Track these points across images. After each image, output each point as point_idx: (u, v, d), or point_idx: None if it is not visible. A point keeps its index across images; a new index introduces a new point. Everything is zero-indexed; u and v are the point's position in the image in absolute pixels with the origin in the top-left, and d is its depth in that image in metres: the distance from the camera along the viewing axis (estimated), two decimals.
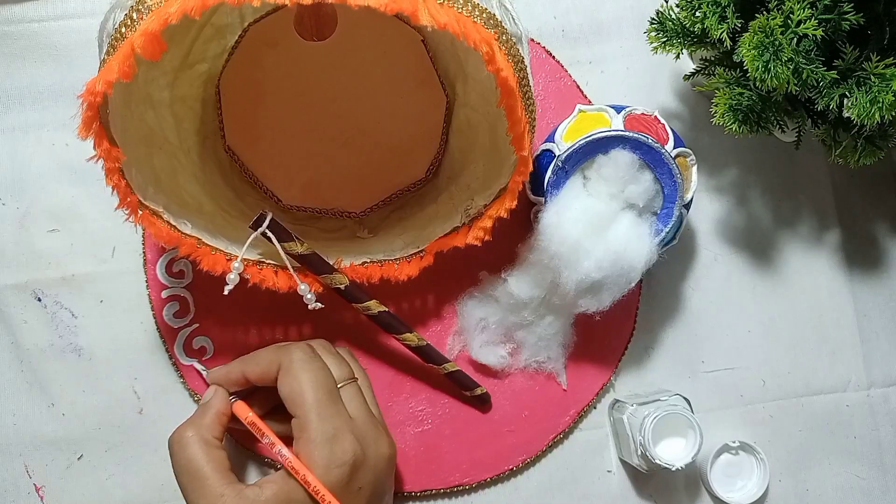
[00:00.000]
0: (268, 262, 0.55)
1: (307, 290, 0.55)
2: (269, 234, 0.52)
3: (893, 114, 0.49)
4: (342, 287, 0.55)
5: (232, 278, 0.53)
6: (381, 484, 0.51)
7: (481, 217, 0.55)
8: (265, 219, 0.52)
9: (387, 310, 0.58)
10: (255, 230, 0.52)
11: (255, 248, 0.55)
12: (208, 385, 0.55)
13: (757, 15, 0.51)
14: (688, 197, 0.56)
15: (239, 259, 0.53)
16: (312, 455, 0.47)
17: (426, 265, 0.57)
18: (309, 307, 0.55)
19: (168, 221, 0.51)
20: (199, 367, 0.61)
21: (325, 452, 0.47)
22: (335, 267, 0.55)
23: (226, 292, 0.53)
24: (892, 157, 0.68)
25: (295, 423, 0.49)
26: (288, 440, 0.50)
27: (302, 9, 0.58)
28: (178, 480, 0.49)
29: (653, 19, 0.57)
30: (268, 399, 0.54)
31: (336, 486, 0.47)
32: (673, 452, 0.58)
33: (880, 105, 0.49)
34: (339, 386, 0.51)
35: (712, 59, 0.58)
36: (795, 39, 0.49)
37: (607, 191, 0.54)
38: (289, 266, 0.54)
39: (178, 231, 0.52)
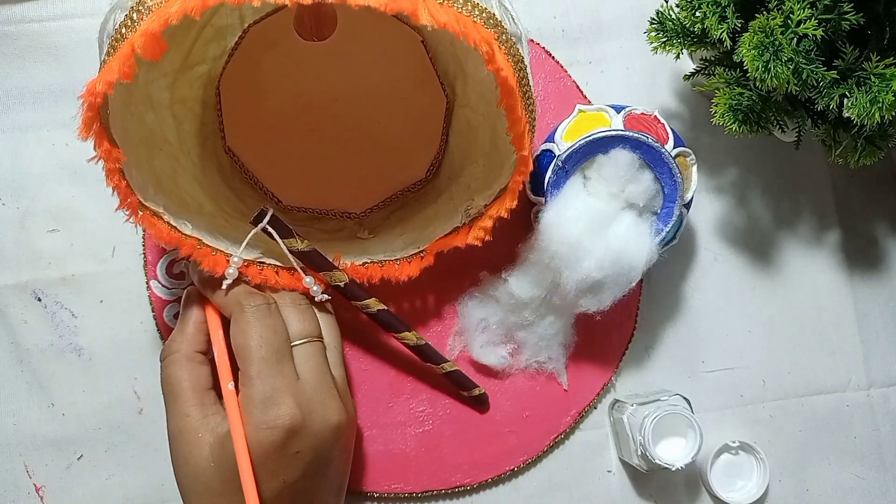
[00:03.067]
0: (268, 261, 0.55)
1: (313, 283, 0.54)
2: (270, 229, 0.52)
3: (893, 114, 0.50)
4: (341, 284, 0.55)
5: (230, 272, 0.52)
6: (326, 451, 0.49)
7: (482, 217, 0.55)
8: (266, 215, 0.52)
9: (386, 308, 0.58)
10: (256, 226, 0.52)
11: (255, 247, 0.55)
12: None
13: (757, 15, 0.51)
14: (688, 196, 0.56)
15: (238, 253, 0.53)
16: (246, 412, 0.46)
17: (427, 265, 0.57)
18: (316, 299, 0.55)
19: (168, 222, 0.51)
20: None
21: (259, 413, 0.46)
22: (335, 264, 0.55)
23: (223, 287, 0.53)
24: (892, 157, 0.68)
25: (240, 377, 0.48)
26: None
27: (302, 9, 0.58)
28: (163, 394, 0.50)
29: (653, 19, 0.57)
30: None
31: (266, 448, 0.46)
32: (673, 452, 0.58)
33: (880, 105, 0.49)
34: (296, 344, 0.50)
35: (712, 59, 0.58)
36: (795, 39, 0.49)
37: (607, 190, 0.54)
38: (292, 260, 0.54)
39: (179, 232, 0.52)
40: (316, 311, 0.54)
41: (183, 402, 0.48)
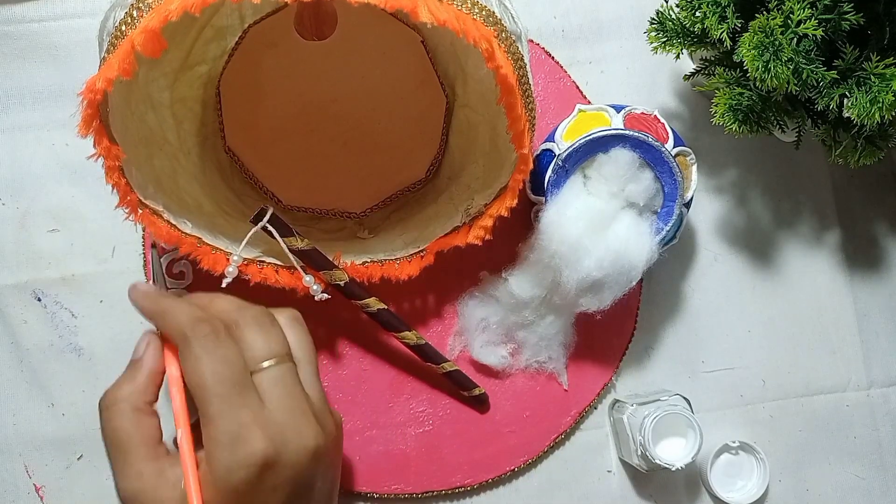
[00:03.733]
0: (268, 260, 0.55)
1: (312, 282, 0.54)
2: (270, 227, 0.52)
3: (893, 114, 0.50)
4: (342, 283, 0.55)
5: (230, 271, 0.52)
6: (306, 478, 0.44)
7: (482, 216, 0.55)
8: (266, 213, 0.52)
9: (386, 307, 0.58)
10: (256, 224, 0.52)
11: (255, 246, 0.55)
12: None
13: (757, 15, 0.51)
14: (688, 196, 0.56)
15: (238, 252, 0.53)
16: (213, 455, 0.41)
17: (427, 265, 0.57)
18: (315, 298, 0.55)
19: (168, 221, 0.51)
20: (153, 256, 0.54)
21: (227, 454, 0.41)
22: (335, 263, 0.55)
23: (223, 286, 0.52)
24: (892, 157, 0.68)
25: (200, 417, 0.42)
26: None
27: (302, 8, 0.58)
28: (105, 448, 0.44)
29: (653, 19, 0.57)
30: None
31: (241, 490, 0.41)
32: (673, 452, 0.58)
33: (880, 105, 0.49)
34: (261, 368, 0.44)
35: (712, 59, 0.58)
36: (795, 39, 0.49)
37: (608, 189, 0.54)
38: (292, 259, 0.54)
39: (178, 230, 0.52)
40: (285, 324, 0.48)
41: (134, 460, 0.42)
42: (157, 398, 0.45)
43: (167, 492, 0.42)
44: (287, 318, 0.49)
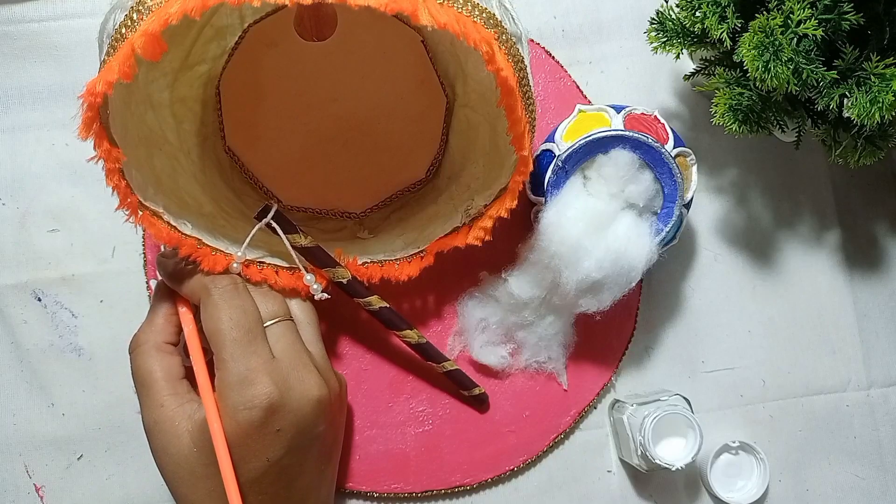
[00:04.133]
0: (269, 261, 0.55)
1: (313, 281, 0.54)
2: (274, 224, 0.52)
3: (893, 114, 0.50)
4: (344, 281, 0.55)
5: (234, 267, 0.52)
6: (308, 426, 0.49)
7: (482, 217, 0.55)
8: (270, 210, 0.52)
9: (388, 306, 0.58)
10: (260, 221, 0.52)
11: (256, 247, 0.55)
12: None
13: (757, 15, 0.51)
14: (688, 196, 0.56)
15: (241, 250, 0.53)
16: (223, 396, 0.46)
17: (426, 265, 0.57)
18: (315, 297, 0.55)
19: (168, 222, 0.51)
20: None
21: (235, 394, 0.46)
22: (338, 261, 0.56)
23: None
24: (892, 157, 0.68)
25: (215, 361, 0.48)
26: None
27: (302, 9, 0.58)
28: (135, 388, 0.49)
29: (653, 19, 0.57)
30: None
31: (246, 429, 0.46)
32: (673, 452, 0.58)
33: (880, 105, 0.49)
34: (267, 324, 0.50)
35: (712, 59, 0.58)
36: (795, 39, 0.49)
37: (607, 190, 0.54)
38: (295, 256, 0.54)
39: (179, 231, 0.52)
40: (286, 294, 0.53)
41: (156, 393, 0.47)
42: (178, 339, 0.50)
43: (184, 422, 0.47)
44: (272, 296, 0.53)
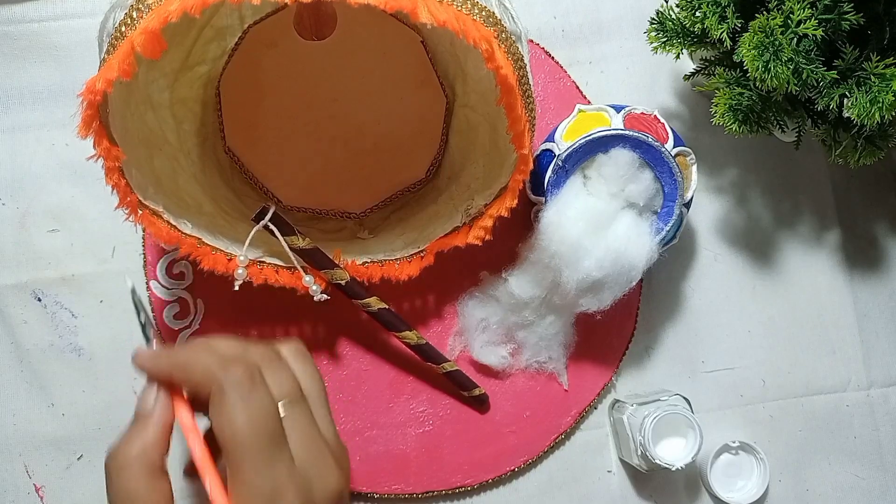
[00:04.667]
0: (268, 261, 0.55)
1: (312, 282, 0.54)
2: (272, 226, 0.52)
3: (893, 114, 0.50)
4: (343, 283, 0.55)
5: (240, 273, 0.53)
6: None
7: (482, 216, 0.55)
8: (267, 212, 0.52)
9: (387, 307, 0.58)
10: (258, 223, 0.52)
11: (256, 247, 0.55)
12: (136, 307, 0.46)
13: (757, 15, 0.51)
14: (688, 196, 0.56)
15: (243, 253, 0.53)
16: None
17: (427, 265, 0.57)
18: (315, 299, 0.55)
19: (168, 221, 0.51)
20: (129, 282, 0.46)
21: None
22: (336, 262, 0.56)
23: (236, 287, 0.53)
24: (892, 157, 0.68)
25: (228, 464, 0.39)
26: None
27: (302, 8, 0.58)
28: None
29: (653, 19, 0.57)
30: None
31: None
32: (673, 452, 0.58)
33: (880, 105, 0.49)
34: (282, 415, 0.42)
35: (712, 59, 0.58)
36: (795, 39, 0.49)
37: (607, 190, 0.54)
38: (293, 258, 0.54)
39: (179, 231, 0.52)
40: (290, 358, 0.45)
41: None
42: (169, 450, 0.42)
43: None
44: (291, 352, 0.46)
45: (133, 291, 0.45)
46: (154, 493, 0.40)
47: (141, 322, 0.43)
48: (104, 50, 0.45)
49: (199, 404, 0.42)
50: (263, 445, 0.39)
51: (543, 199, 0.56)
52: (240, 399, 0.39)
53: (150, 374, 0.42)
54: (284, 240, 0.53)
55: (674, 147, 0.55)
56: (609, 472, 0.63)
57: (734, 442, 0.61)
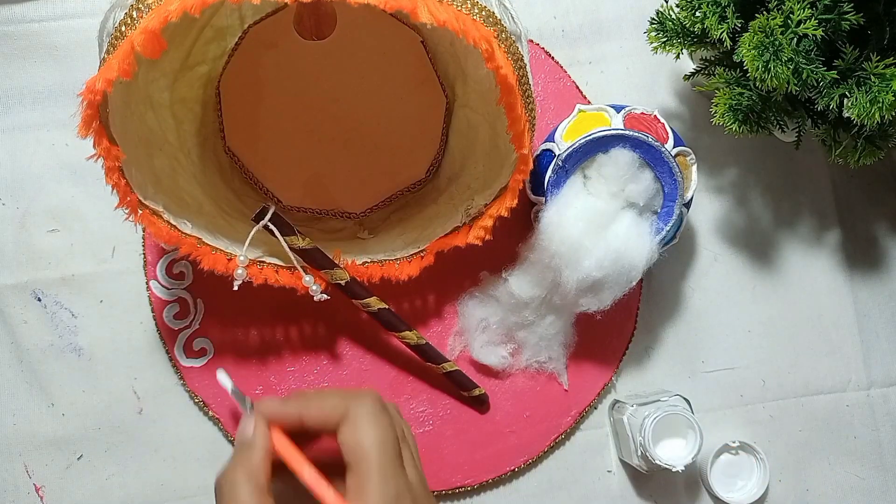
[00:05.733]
0: (268, 260, 0.55)
1: (312, 282, 0.54)
2: (272, 226, 0.52)
3: (893, 114, 0.50)
4: (343, 283, 0.56)
5: (239, 273, 0.53)
6: None
7: (482, 216, 0.55)
8: (267, 212, 0.52)
9: (387, 307, 0.58)
10: (258, 223, 0.52)
11: (256, 247, 0.55)
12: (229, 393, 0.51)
13: (757, 15, 0.51)
14: (688, 196, 0.56)
15: (243, 253, 0.53)
16: None
17: (427, 265, 0.57)
18: (315, 298, 0.55)
19: (168, 221, 0.51)
20: (227, 382, 0.51)
21: None
22: (336, 262, 0.56)
23: (235, 287, 0.53)
24: (892, 157, 0.68)
25: (352, 479, 0.43)
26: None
27: (302, 8, 0.58)
28: None
29: (653, 19, 0.57)
30: (310, 440, 0.49)
31: None
32: (673, 453, 0.58)
33: (880, 105, 0.49)
34: None
35: (712, 59, 0.58)
36: (795, 39, 0.49)
37: (608, 190, 0.54)
38: (293, 258, 0.54)
39: (178, 231, 0.52)
40: (391, 410, 0.50)
41: None
42: (271, 475, 0.45)
43: None
44: (392, 406, 0.51)
45: (234, 392, 0.51)
46: None
47: (246, 407, 0.48)
48: (104, 50, 0.45)
49: (307, 438, 0.47)
50: (390, 457, 0.44)
51: (543, 198, 0.56)
52: (372, 421, 0.44)
53: (279, 414, 0.46)
54: (284, 240, 0.53)
55: (674, 147, 0.55)
56: (609, 472, 0.63)
57: (734, 442, 0.61)
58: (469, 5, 0.44)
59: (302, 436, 0.47)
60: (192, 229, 0.52)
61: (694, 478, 0.63)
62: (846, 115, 0.51)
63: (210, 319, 0.61)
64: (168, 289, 0.62)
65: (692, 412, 0.59)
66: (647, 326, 0.64)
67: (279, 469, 0.46)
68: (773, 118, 0.56)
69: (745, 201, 0.66)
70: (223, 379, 0.52)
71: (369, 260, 0.57)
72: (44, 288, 0.62)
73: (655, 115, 0.57)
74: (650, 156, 0.54)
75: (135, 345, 0.62)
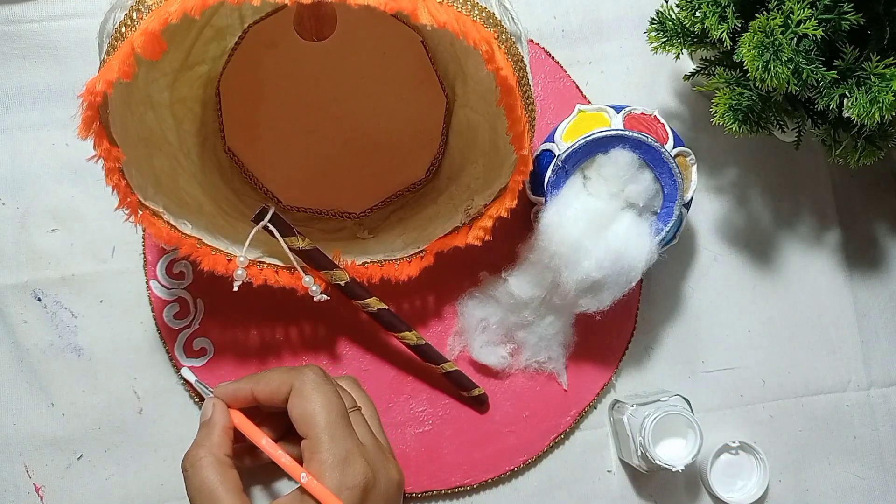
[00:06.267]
0: (268, 261, 0.55)
1: (312, 282, 0.54)
2: (272, 227, 0.52)
3: (893, 114, 0.50)
4: (342, 283, 0.56)
5: (239, 274, 0.53)
6: None
7: (481, 217, 0.55)
8: (267, 213, 0.52)
9: (387, 307, 0.58)
10: (257, 224, 0.52)
11: (256, 247, 0.55)
12: (204, 399, 0.56)
13: (757, 15, 0.51)
14: (688, 196, 0.56)
15: (243, 254, 0.53)
16: (324, 476, 0.46)
17: (426, 265, 0.57)
18: (315, 299, 0.55)
19: (168, 222, 0.51)
20: (190, 376, 0.59)
21: (337, 474, 0.46)
22: (336, 263, 0.56)
23: (235, 288, 0.53)
24: (892, 157, 0.68)
25: (305, 445, 0.48)
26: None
27: (302, 8, 0.58)
28: (192, 503, 0.48)
29: (653, 19, 0.57)
30: (278, 425, 0.54)
31: None
32: (673, 453, 0.58)
33: (880, 105, 0.49)
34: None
35: (712, 59, 0.58)
36: (795, 39, 0.49)
37: (607, 190, 0.54)
38: (292, 259, 0.54)
39: (179, 231, 0.52)
40: (348, 386, 0.55)
41: None
42: (233, 454, 0.50)
43: None
44: (347, 380, 0.56)
45: (198, 383, 0.58)
46: (226, 482, 0.47)
47: (208, 393, 0.54)
48: (104, 51, 0.45)
49: (277, 416, 0.53)
50: (336, 421, 0.48)
51: (543, 199, 0.56)
52: (315, 389, 0.49)
53: (234, 395, 0.52)
54: (284, 241, 0.53)
55: (674, 147, 0.55)
56: (609, 472, 0.63)
57: (734, 442, 0.61)
58: (469, 6, 0.44)
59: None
60: (192, 230, 0.52)
61: (694, 478, 0.63)
62: (846, 115, 0.51)
63: (210, 319, 0.61)
64: (168, 289, 0.62)
65: (692, 412, 0.59)
66: (646, 326, 0.64)
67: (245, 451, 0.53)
68: (773, 118, 0.56)
69: (745, 201, 0.66)
70: (187, 374, 0.59)
71: (369, 260, 0.57)
72: (44, 288, 0.62)
73: (655, 116, 0.57)
74: (650, 156, 0.54)
75: (135, 345, 0.62)
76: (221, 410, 0.52)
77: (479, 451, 0.62)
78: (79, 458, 0.61)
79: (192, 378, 0.59)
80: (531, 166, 0.50)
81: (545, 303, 0.59)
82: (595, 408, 0.64)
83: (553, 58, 0.66)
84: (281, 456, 0.49)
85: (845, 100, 0.51)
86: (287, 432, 0.53)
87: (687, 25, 0.55)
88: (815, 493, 0.64)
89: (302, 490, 0.47)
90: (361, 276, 0.56)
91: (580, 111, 0.58)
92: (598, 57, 0.66)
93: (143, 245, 0.62)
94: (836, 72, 0.50)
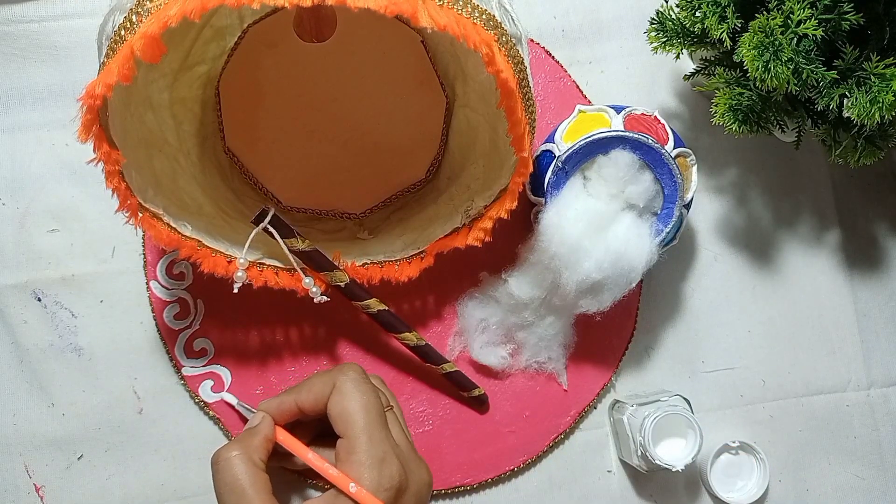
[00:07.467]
0: (268, 262, 0.55)
1: (312, 284, 0.54)
2: (271, 229, 0.52)
3: (893, 114, 0.49)
4: (342, 285, 0.56)
5: (239, 276, 0.53)
6: None
7: (481, 218, 0.55)
8: (267, 214, 0.52)
9: (387, 308, 0.58)
10: (257, 226, 0.52)
11: (256, 249, 0.55)
12: (239, 413, 0.59)
13: (757, 15, 0.51)
14: (688, 197, 0.56)
15: (243, 255, 0.53)
16: (361, 477, 0.46)
17: (426, 266, 0.57)
18: (315, 300, 0.55)
19: (168, 224, 0.51)
20: (231, 399, 0.60)
21: (375, 475, 0.46)
22: (336, 264, 0.56)
23: (235, 290, 0.53)
24: (892, 157, 0.68)
25: (342, 445, 0.48)
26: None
27: (301, 10, 0.58)
28: (219, 500, 0.48)
29: (653, 19, 0.57)
30: (308, 430, 0.54)
31: None
32: (673, 453, 0.58)
33: (880, 105, 0.49)
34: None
35: (712, 59, 0.58)
36: (795, 39, 0.49)
37: (607, 191, 0.54)
38: (292, 260, 0.54)
39: (179, 233, 0.52)
40: (378, 385, 0.55)
41: (252, 502, 0.46)
42: (267, 462, 0.50)
43: None
44: (377, 379, 0.56)
45: (240, 404, 0.60)
46: (256, 479, 0.47)
47: (252, 411, 0.56)
48: (103, 53, 0.45)
49: (306, 423, 0.53)
50: (375, 421, 0.48)
51: (543, 200, 0.56)
52: (355, 388, 0.49)
53: (279, 409, 0.52)
54: (284, 242, 0.53)
55: (674, 148, 0.55)
56: (609, 472, 0.63)
57: (734, 442, 0.61)
58: (469, 8, 0.43)
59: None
60: (192, 231, 0.52)
61: (694, 478, 0.63)
62: (846, 115, 0.51)
63: (210, 320, 0.61)
64: (168, 289, 0.62)
65: (692, 412, 0.59)
66: (646, 326, 0.64)
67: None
68: (773, 118, 0.56)
69: (745, 201, 0.66)
70: (229, 398, 0.61)
71: (369, 261, 0.57)
72: (44, 288, 0.62)
73: (655, 116, 0.57)
74: (650, 157, 0.54)
75: (135, 345, 0.62)
76: (269, 423, 0.52)
77: (480, 451, 0.62)
78: (79, 458, 0.61)
79: (233, 401, 0.60)
80: (531, 168, 0.50)
81: (545, 303, 0.59)
82: (595, 408, 0.64)
83: (553, 58, 0.66)
84: (328, 468, 0.48)
85: (845, 100, 0.51)
86: (315, 438, 0.54)
87: (687, 25, 0.55)
88: (815, 493, 0.64)
89: (337, 491, 0.47)
90: (361, 277, 0.56)
91: (580, 112, 0.58)
92: (598, 57, 0.66)
93: (143, 245, 0.62)
94: (836, 72, 0.50)
